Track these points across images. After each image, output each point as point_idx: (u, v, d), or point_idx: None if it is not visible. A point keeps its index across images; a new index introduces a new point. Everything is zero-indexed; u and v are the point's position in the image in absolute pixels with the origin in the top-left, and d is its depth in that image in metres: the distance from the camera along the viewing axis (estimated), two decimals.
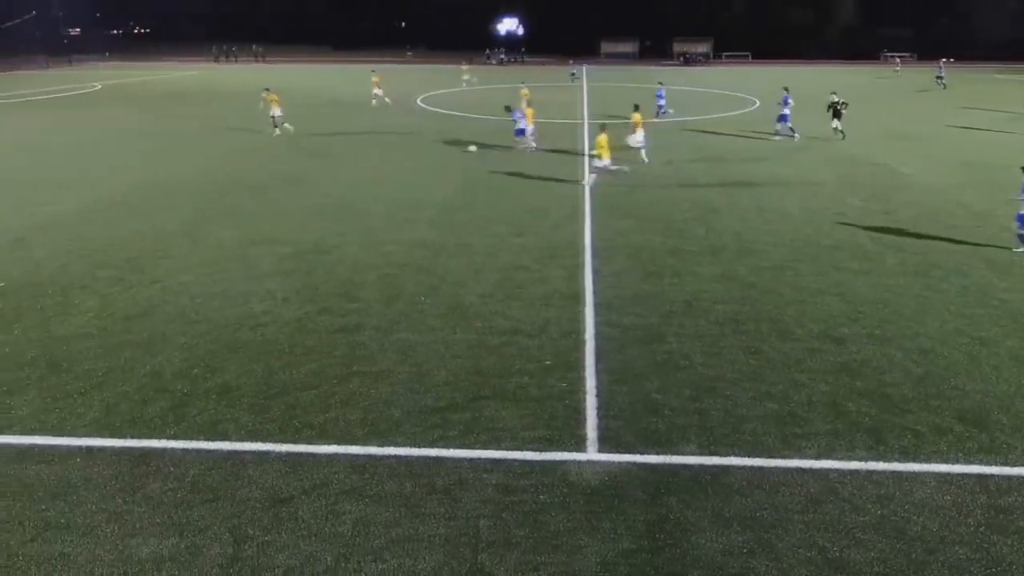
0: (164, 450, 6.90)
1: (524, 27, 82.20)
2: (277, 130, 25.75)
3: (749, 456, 6.80)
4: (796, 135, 24.52)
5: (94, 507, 6.11)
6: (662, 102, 30.63)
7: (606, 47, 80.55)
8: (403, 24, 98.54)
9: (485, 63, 69.08)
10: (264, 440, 7.05)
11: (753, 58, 75.72)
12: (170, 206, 15.94)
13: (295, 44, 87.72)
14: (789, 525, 5.91)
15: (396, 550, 5.64)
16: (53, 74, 57.79)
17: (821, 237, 13.65)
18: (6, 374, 8.34)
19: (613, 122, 21.07)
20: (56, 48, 71.64)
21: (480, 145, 22.95)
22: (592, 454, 6.84)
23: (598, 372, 8.34)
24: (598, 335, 9.32)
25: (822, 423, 7.36)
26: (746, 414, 7.50)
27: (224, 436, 7.11)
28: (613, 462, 6.72)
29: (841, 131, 24.23)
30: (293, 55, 79.87)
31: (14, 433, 7.16)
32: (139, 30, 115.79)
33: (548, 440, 7.05)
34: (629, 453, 6.85)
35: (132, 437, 7.09)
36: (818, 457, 6.80)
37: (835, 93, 25.51)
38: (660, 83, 33.38)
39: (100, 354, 8.84)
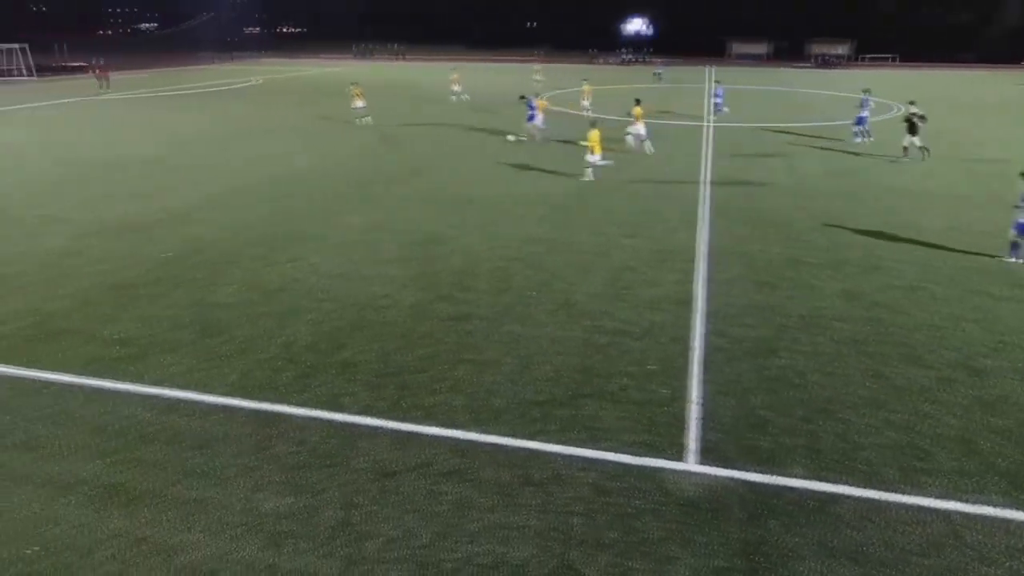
0: (290, 416, 7.41)
1: (653, 27, 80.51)
2: (358, 121, 27.51)
3: (863, 487, 6.34)
4: (868, 139, 23.61)
5: (228, 461, 6.68)
6: (718, 100, 30.76)
7: (736, 48, 77.34)
8: (534, 24, 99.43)
9: (602, 63, 68.22)
10: (376, 416, 7.40)
11: (901, 60, 70.01)
12: (307, 192, 17.01)
13: (431, 43, 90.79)
14: (904, 567, 5.46)
15: (489, 536, 5.75)
16: (218, 69, 63.18)
17: (960, 257, 12.45)
18: (167, 334, 9.27)
19: (736, 127, 20.20)
20: (222, 46, 78.26)
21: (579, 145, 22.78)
22: (691, 465, 6.65)
23: (704, 382, 8.08)
24: (706, 344, 9.01)
25: (949, 460, 6.73)
26: (862, 441, 6.99)
27: (342, 408, 7.54)
28: (712, 475, 6.49)
29: (924, 148, 20.57)
30: (428, 53, 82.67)
31: (168, 387, 7.94)
32: (293, 30, 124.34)
33: (646, 445, 6.92)
34: (730, 468, 6.59)
35: (264, 401, 7.66)
36: (942, 497, 6.23)
37: (913, 103, 22.10)
38: (717, 81, 33.32)
39: (242, 323, 9.61)
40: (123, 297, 10.54)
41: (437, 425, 7.25)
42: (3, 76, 50.84)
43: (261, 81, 49.44)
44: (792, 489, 6.32)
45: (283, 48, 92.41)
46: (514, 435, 7.08)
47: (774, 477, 6.47)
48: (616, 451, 6.82)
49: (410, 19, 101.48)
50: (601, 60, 70.39)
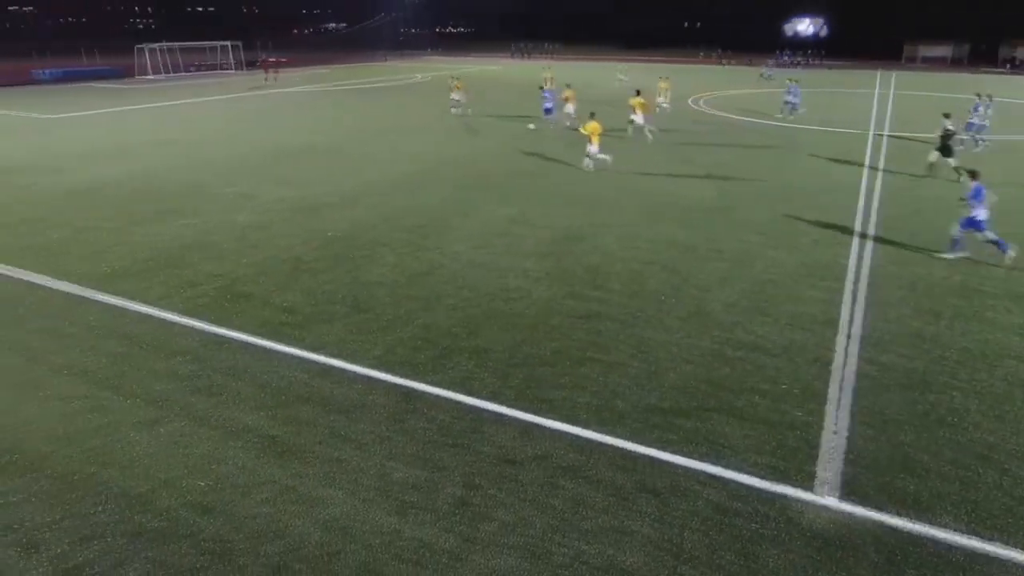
0: (424, 393, 7.74)
1: (826, 28, 74.68)
2: (453, 110, 29.48)
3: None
4: (979, 145, 21.48)
5: (367, 428, 7.11)
6: (792, 99, 29.48)
7: (916, 50, 69.80)
8: (697, 24, 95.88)
9: (758, 65, 64.25)
10: (503, 403, 7.53)
11: None
12: (455, 183, 17.62)
13: (587, 43, 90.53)
14: None
15: (602, 537, 5.66)
16: (389, 66, 67.13)
17: None
18: (325, 306, 10.03)
19: (910, 138, 18.25)
20: (395, 45, 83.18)
21: (715, 146, 21.57)
22: (823, 497, 6.11)
23: (845, 409, 7.40)
24: (851, 369, 8.25)
25: None
26: None
27: (472, 392, 7.74)
28: (847, 512, 5.93)
29: (959, 169, 16.82)
30: (584, 53, 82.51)
31: (322, 354, 8.59)
32: (460, 30, 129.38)
33: (774, 469, 6.47)
34: (868, 507, 5.98)
35: (403, 377, 8.06)
36: None
37: (948, 117, 17.79)
38: (792, 80, 31.79)
39: (389, 302, 10.17)
40: (293, 269, 11.53)
41: (560, 419, 7.24)
42: (215, 69, 57.36)
43: (429, 78, 51.83)
44: (938, 540, 5.63)
45: (449, 47, 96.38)
46: (635, 440, 6.91)
47: (918, 524, 5.79)
48: (740, 471, 6.44)
49: (567, 19, 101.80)
50: (731, 62, 66.33)
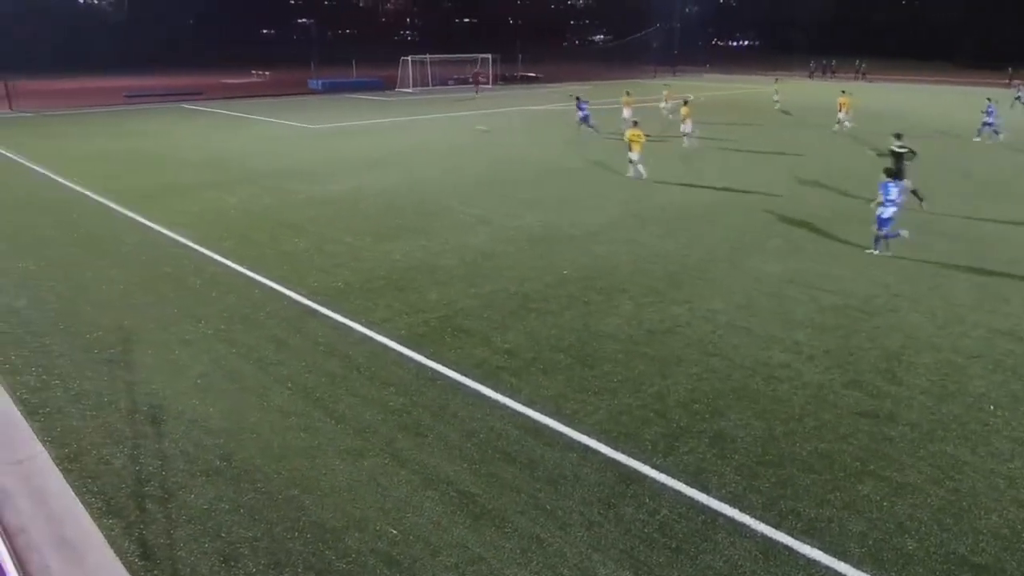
0: (647, 477, 7.56)
1: None
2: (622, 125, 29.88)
3: None
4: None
5: (575, 506, 7.13)
6: (991, 120, 30.30)
7: None
8: None
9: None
10: (745, 510, 7.03)
11: None
12: (721, 225, 17.17)
13: (910, 59, 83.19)
14: None
15: None
16: (653, 84, 68.46)
17: None
18: (549, 353, 10.39)
19: None
20: (666, 60, 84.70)
21: None
22: None
23: None
24: None
25: None
26: None
27: (706, 488, 7.37)
28: None
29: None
30: (905, 72, 75.91)
31: (537, 410, 8.87)
32: (745, 43, 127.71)
33: None
34: None
35: (624, 452, 7.97)
36: None
37: (899, 136, 18.67)
38: (989, 99, 31.92)
39: (620, 359, 10.19)
40: (520, 307, 12.17)
41: (820, 548, 6.54)
42: (468, 84, 63.79)
43: (702, 98, 51.83)
44: None
45: (732, 62, 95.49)
46: None
47: None
48: None
49: (885, 31, 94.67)
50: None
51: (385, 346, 10.67)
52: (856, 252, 15.17)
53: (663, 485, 7.43)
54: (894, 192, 14.61)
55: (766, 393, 9.28)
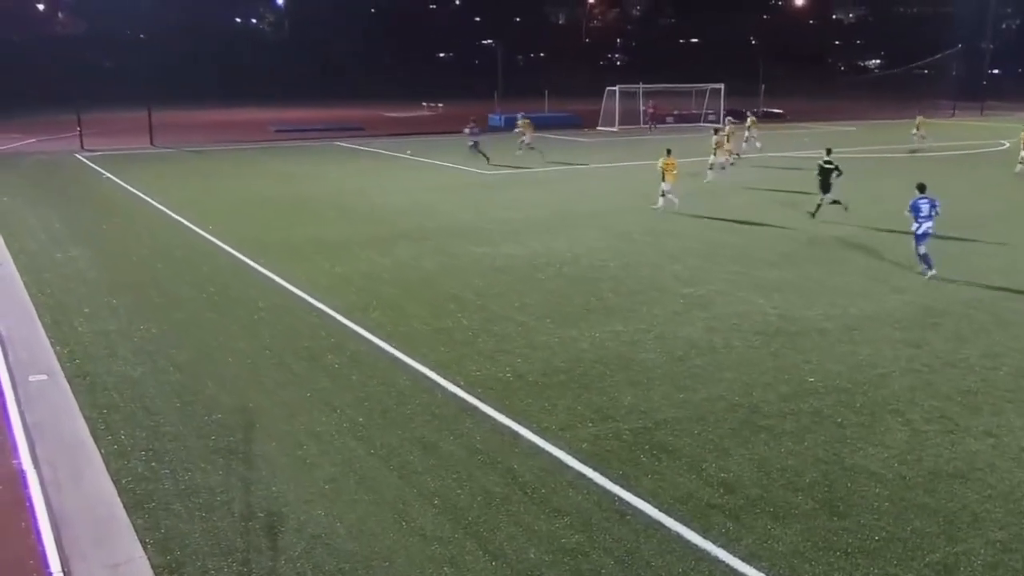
0: None
1: None
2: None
3: None
4: None
5: None
6: None
7: None
8: None
9: None
10: None
11: None
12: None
13: None
14: None
15: None
16: (957, 124, 65.28)
17: None
18: (781, 492, 9.95)
19: None
20: (968, 93, 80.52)
21: None
22: None
23: None
24: None
25: None
26: None
27: None
28: None
29: (837, 202, 26.02)
30: None
31: (761, 568, 8.44)
32: None
33: None
34: None
35: None
36: None
37: (829, 151, 26.88)
38: None
39: (886, 510, 9.53)
40: (744, 423, 11.81)
41: None
42: (695, 121, 64.28)
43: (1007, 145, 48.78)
44: None
45: None
46: None
47: None
48: None
49: None
50: None
51: (561, 462, 10.72)
52: None
53: None
54: (925, 208, 19.19)
55: None
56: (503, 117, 61.54)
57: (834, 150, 27.18)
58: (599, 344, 15.11)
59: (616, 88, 62.54)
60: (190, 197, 31.44)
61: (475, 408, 12.36)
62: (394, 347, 14.86)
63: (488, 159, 40.12)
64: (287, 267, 20.47)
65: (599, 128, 61.15)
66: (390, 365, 14.10)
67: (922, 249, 19.32)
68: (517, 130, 46.12)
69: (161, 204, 29.87)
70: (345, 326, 16.15)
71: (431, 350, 14.71)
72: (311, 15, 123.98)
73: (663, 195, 27.64)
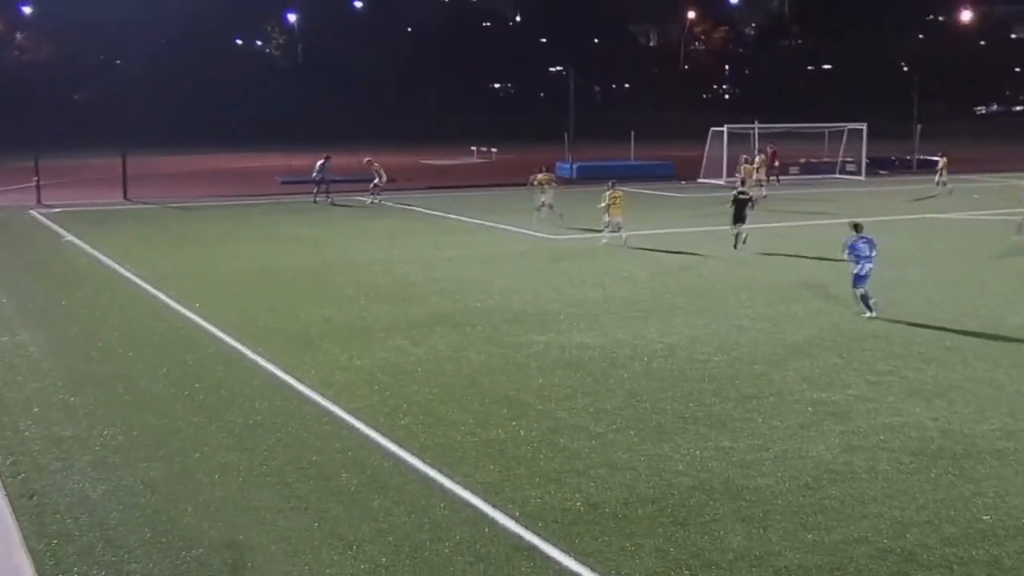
0: None
1: None
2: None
3: None
4: None
5: None
6: None
7: None
8: None
9: None
10: None
11: None
12: None
13: None
14: None
15: None
16: None
17: None
18: None
19: None
20: None
21: None
22: None
23: None
24: None
25: None
26: None
27: None
28: None
29: (741, 237, 34.41)
30: None
31: None
32: None
33: None
34: None
35: None
36: None
37: (743, 182, 39.07)
38: None
39: None
40: (894, 575, 11.51)
41: None
42: (827, 173, 63.93)
43: None
44: None
45: None
46: None
47: None
48: None
49: None
50: None
51: None
52: None
53: None
54: (865, 249, 23.91)
55: None
56: (575, 166, 61.71)
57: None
58: (699, 465, 14.92)
59: (723, 129, 62.23)
60: (172, 267, 31.95)
61: (534, 548, 12.22)
62: (428, 464, 14.82)
63: (562, 217, 41.57)
64: (292, 358, 20.63)
65: (700, 180, 61.18)
66: (423, 488, 14.04)
67: (860, 290, 24.09)
68: (536, 184, 43.06)
69: (135, 275, 30.38)
70: (365, 436, 16.16)
71: (477, 469, 14.66)
72: (329, 37, 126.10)
73: (612, 229, 35.77)
